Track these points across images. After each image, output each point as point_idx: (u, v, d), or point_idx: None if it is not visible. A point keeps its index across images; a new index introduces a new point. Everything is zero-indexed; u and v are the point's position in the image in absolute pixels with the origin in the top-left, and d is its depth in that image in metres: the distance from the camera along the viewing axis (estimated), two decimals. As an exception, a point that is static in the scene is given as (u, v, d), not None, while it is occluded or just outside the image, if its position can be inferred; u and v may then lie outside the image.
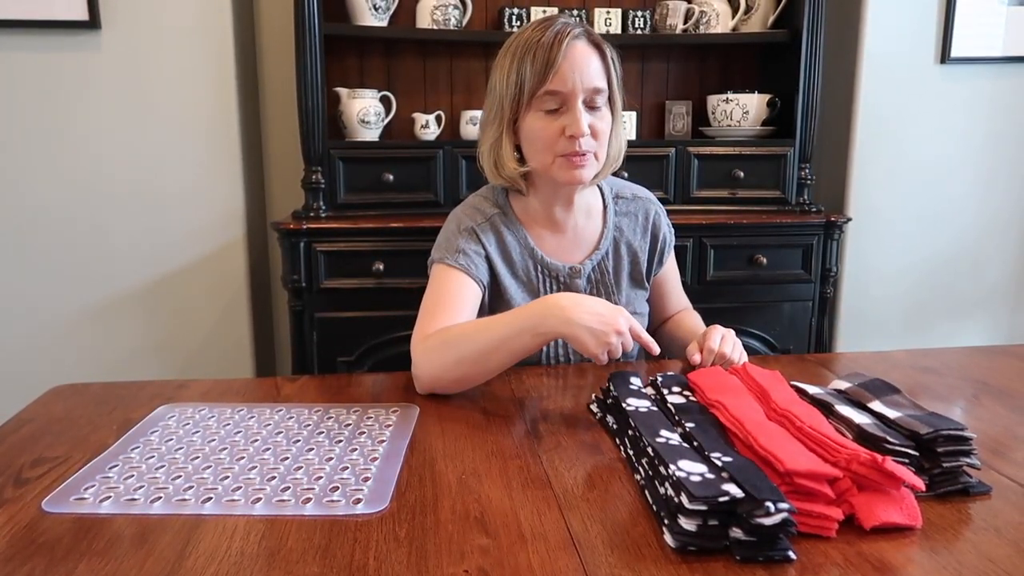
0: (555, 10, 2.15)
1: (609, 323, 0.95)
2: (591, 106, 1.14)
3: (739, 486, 0.62)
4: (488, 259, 1.21)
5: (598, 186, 1.30)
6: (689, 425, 0.78)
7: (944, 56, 2.24)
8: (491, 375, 1.03)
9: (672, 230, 1.35)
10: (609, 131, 1.17)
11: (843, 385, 0.89)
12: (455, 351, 1.00)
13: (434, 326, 1.07)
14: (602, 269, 1.27)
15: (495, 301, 1.23)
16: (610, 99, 1.17)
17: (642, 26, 2.17)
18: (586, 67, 1.12)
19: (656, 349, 1.00)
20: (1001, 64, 2.28)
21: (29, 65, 1.94)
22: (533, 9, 2.12)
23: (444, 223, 1.26)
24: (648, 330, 1.35)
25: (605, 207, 1.30)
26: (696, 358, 1.08)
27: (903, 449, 0.72)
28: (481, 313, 1.19)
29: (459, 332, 1.02)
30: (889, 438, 0.72)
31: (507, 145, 1.18)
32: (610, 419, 0.89)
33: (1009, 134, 2.33)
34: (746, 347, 1.11)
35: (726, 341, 1.10)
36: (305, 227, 1.90)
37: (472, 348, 0.99)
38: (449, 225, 1.25)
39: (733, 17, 2.17)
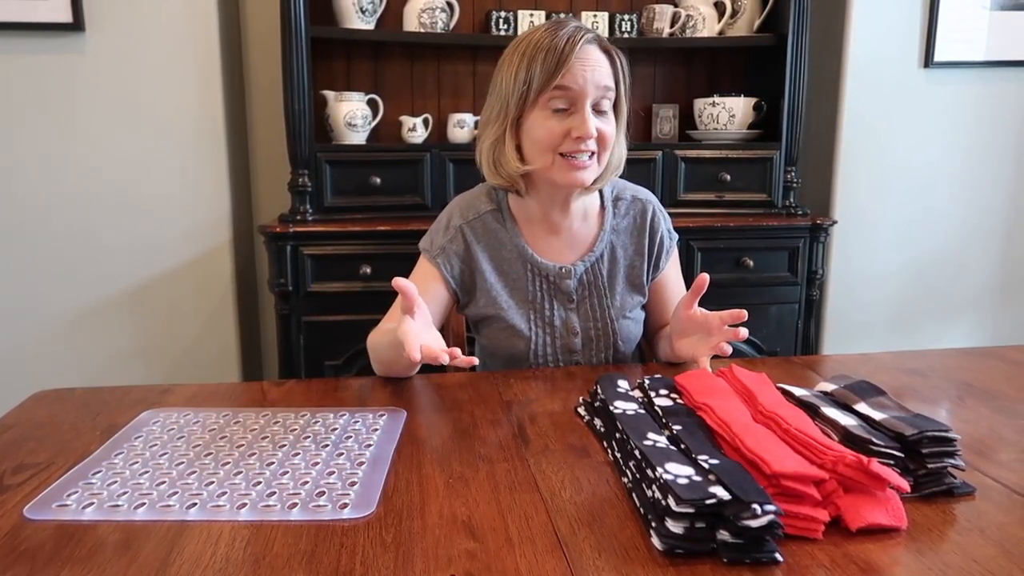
0: (542, 13, 2.15)
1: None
2: (598, 110, 1.14)
3: (726, 488, 0.63)
4: (470, 259, 1.23)
5: None
6: (676, 428, 0.78)
7: (928, 60, 2.27)
8: (406, 373, 1.12)
9: (673, 233, 1.32)
10: (614, 138, 1.17)
11: (829, 387, 0.89)
12: (375, 353, 1.15)
13: (390, 317, 1.19)
14: (595, 271, 1.25)
15: (482, 298, 1.23)
16: (615, 106, 1.17)
17: (629, 30, 2.17)
18: (596, 67, 1.12)
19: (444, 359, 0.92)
20: (984, 68, 2.31)
21: (12, 68, 1.92)
22: (520, 13, 2.13)
23: (445, 208, 1.29)
24: (644, 336, 1.34)
25: (603, 208, 1.28)
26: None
27: (888, 451, 0.72)
28: (467, 306, 1.27)
29: (378, 338, 1.15)
30: (874, 440, 0.73)
31: (509, 144, 1.17)
32: (598, 422, 0.89)
33: (992, 137, 2.36)
34: (733, 349, 1.11)
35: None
36: (292, 230, 1.89)
37: (381, 354, 1.12)
38: (443, 216, 1.27)
39: (719, 21, 2.18)
